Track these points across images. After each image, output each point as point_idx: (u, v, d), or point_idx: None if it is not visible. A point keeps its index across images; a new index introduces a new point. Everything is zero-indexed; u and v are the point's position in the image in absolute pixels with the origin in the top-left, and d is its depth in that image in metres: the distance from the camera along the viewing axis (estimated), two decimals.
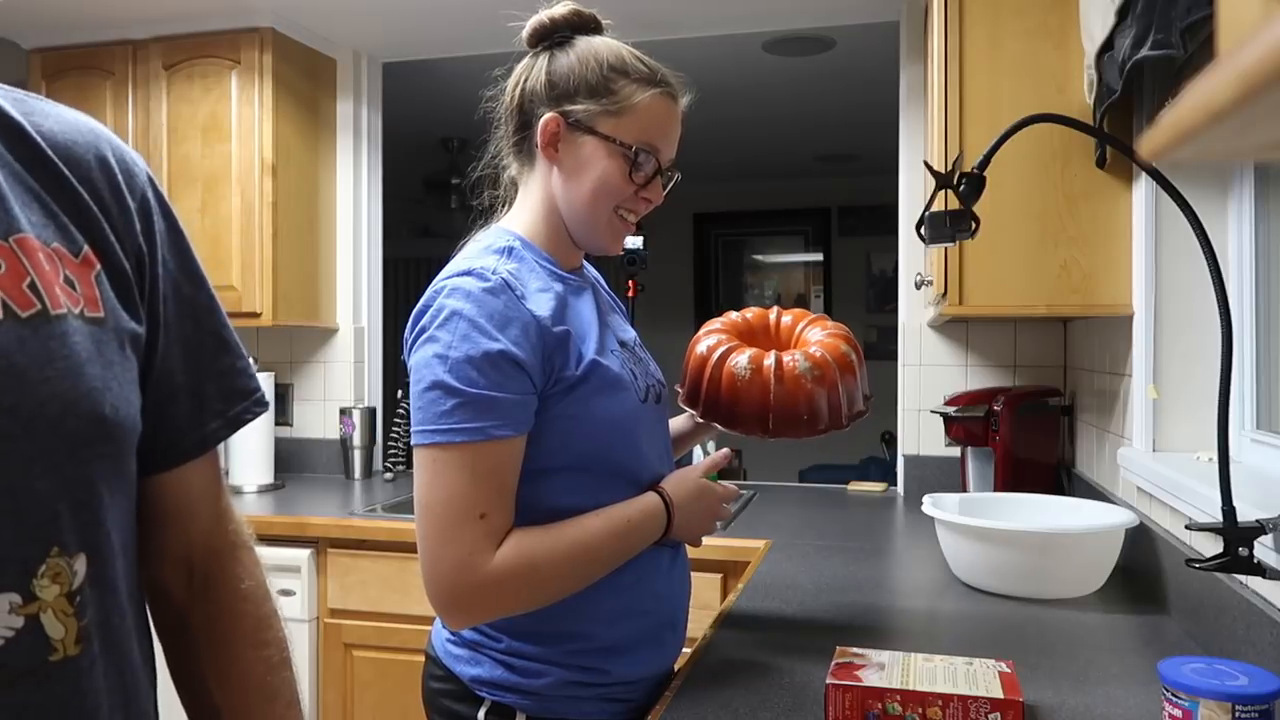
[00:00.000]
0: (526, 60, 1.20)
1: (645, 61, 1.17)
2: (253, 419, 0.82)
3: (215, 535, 0.83)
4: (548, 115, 1.15)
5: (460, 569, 1.04)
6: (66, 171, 0.69)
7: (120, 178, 0.72)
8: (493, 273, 1.09)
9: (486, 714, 1.13)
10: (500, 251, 1.14)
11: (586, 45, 1.17)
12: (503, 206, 1.26)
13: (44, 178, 0.68)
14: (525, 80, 1.19)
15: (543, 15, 1.19)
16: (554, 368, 1.09)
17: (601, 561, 1.11)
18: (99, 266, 0.69)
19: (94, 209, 0.69)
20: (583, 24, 1.19)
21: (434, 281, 1.12)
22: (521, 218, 1.20)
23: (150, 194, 0.75)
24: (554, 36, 1.18)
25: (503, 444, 1.05)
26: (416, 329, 1.09)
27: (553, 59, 1.17)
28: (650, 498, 1.16)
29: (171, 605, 0.80)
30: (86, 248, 0.68)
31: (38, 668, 0.61)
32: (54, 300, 0.64)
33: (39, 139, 0.68)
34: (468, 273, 1.09)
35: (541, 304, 1.10)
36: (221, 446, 0.83)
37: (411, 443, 1.07)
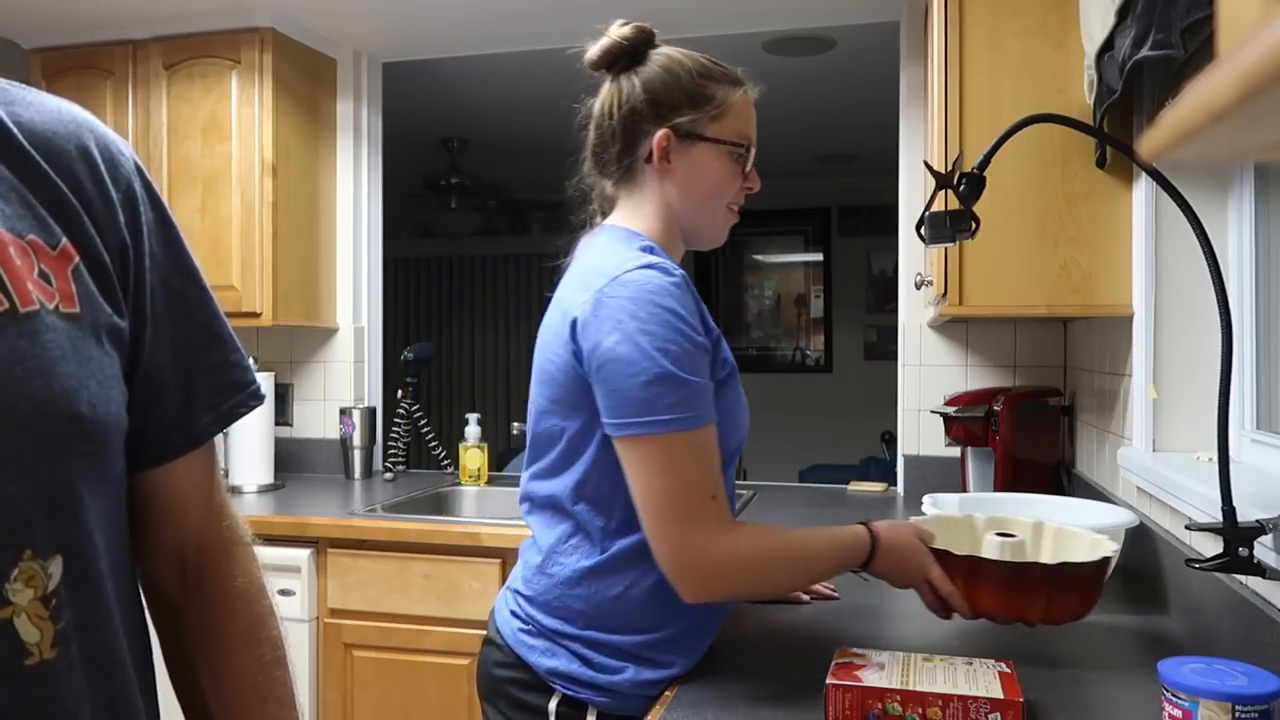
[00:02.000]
0: (610, 85, 1.25)
1: (718, 63, 1.26)
2: (246, 412, 0.80)
3: (208, 532, 0.81)
4: (659, 132, 1.21)
5: (703, 550, 1.09)
6: (44, 164, 0.67)
7: (104, 168, 0.71)
8: (675, 269, 1.15)
9: (558, 706, 1.15)
10: (645, 249, 1.18)
11: (664, 58, 1.24)
12: (598, 218, 1.30)
13: (21, 169, 0.66)
14: (623, 103, 1.22)
15: (614, 37, 1.23)
16: (714, 363, 1.16)
17: (812, 573, 1.23)
18: (78, 259, 0.67)
19: (74, 201, 0.68)
20: (646, 39, 1.26)
21: (607, 273, 1.11)
22: (634, 222, 1.24)
23: (137, 184, 0.73)
24: (626, 57, 1.24)
25: (712, 428, 1.11)
26: (613, 321, 1.08)
27: (642, 78, 1.22)
28: (862, 532, 1.20)
29: (165, 602, 0.79)
30: (65, 240, 0.67)
31: (13, 672, 0.60)
32: (24, 297, 0.63)
33: (16, 131, 0.67)
34: (649, 266, 1.12)
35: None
36: (221, 446, 0.80)
37: (632, 434, 1.08)
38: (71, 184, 0.68)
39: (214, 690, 0.79)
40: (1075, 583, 1.18)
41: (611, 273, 1.11)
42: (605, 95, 1.25)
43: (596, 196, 1.29)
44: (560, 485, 1.17)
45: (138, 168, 0.74)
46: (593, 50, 1.24)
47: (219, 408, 0.78)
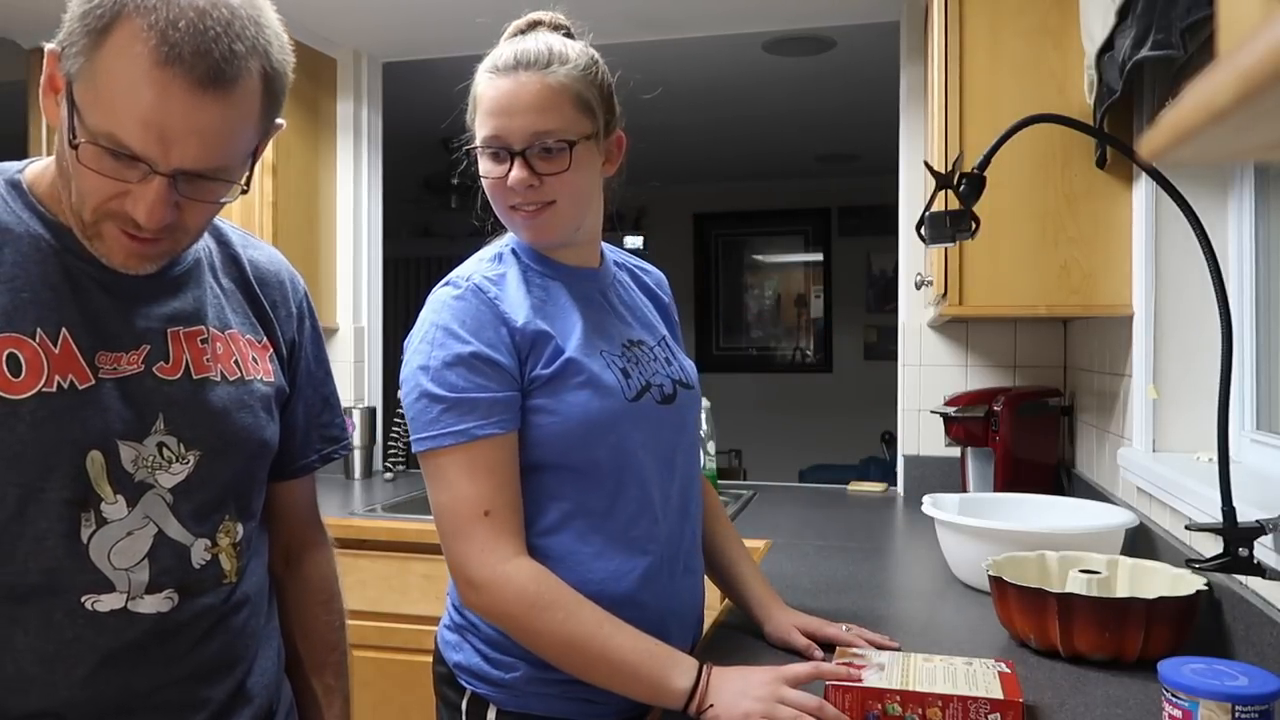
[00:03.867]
0: None
1: (498, 52, 1.14)
2: (339, 459, 1.19)
3: (306, 532, 1.18)
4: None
5: (473, 562, 1.07)
6: (259, 291, 1.07)
7: (290, 294, 1.11)
8: (465, 279, 1.14)
9: (467, 704, 1.17)
10: (493, 259, 1.18)
11: None
12: None
13: (247, 293, 1.06)
14: None
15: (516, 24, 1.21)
16: (528, 367, 1.12)
17: (606, 664, 1.05)
18: (271, 351, 1.07)
19: (271, 315, 1.07)
20: (529, 27, 1.20)
21: None
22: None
23: (305, 305, 1.13)
24: None
25: (491, 441, 1.08)
26: (407, 343, 1.15)
27: None
28: (685, 657, 1.08)
29: (271, 574, 1.12)
30: (265, 338, 1.06)
31: (218, 586, 0.98)
32: (248, 370, 1.02)
33: (247, 266, 1.07)
34: (445, 284, 1.15)
35: (518, 305, 1.13)
36: None
37: (415, 450, 1.12)
38: (270, 303, 1.08)
39: (300, 639, 1.16)
40: (1172, 616, 1.18)
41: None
42: None
43: None
44: None
45: (305, 294, 1.14)
46: None
47: (322, 452, 1.16)
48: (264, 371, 1.04)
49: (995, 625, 1.34)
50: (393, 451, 3.03)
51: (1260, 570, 1.12)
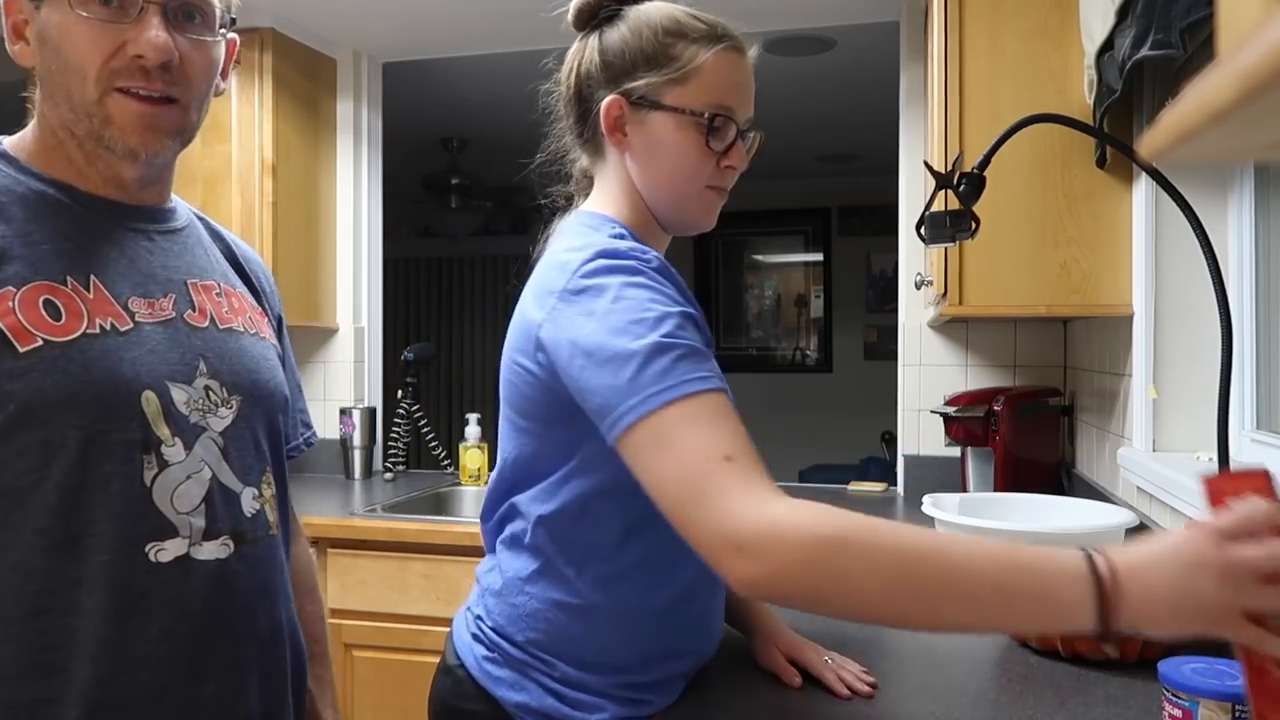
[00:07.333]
0: (577, 44, 1.11)
1: (702, 18, 1.06)
2: (308, 449, 1.25)
3: (288, 521, 1.15)
4: (608, 98, 1.05)
5: (731, 520, 0.82)
6: (248, 270, 1.15)
7: (267, 276, 1.21)
8: (627, 247, 0.98)
9: None
10: (616, 237, 1.02)
11: (636, 14, 1.06)
12: (579, 198, 1.17)
13: (240, 270, 1.14)
14: (579, 65, 1.09)
15: None
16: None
17: (944, 581, 0.78)
18: (268, 318, 1.14)
19: (261, 289, 1.16)
20: None
21: (559, 260, 0.98)
22: (605, 205, 1.09)
23: (277, 292, 1.23)
24: (601, 13, 1.08)
25: (721, 395, 0.90)
26: (572, 303, 0.94)
27: (603, 36, 1.07)
28: (1061, 556, 0.78)
29: None
30: (261, 307, 1.13)
31: (265, 536, 1.01)
32: (259, 329, 1.08)
33: (232, 244, 1.16)
34: (600, 254, 0.96)
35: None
36: None
37: (624, 424, 0.88)
38: (258, 282, 1.16)
39: None
40: None
41: (568, 256, 0.96)
42: (568, 57, 1.11)
43: (576, 171, 1.16)
44: (528, 510, 1.05)
45: (273, 281, 1.23)
46: (571, 7, 1.10)
47: (304, 436, 1.23)
48: (268, 334, 1.10)
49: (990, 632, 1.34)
50: (393, 451, 3.03)
51: None
